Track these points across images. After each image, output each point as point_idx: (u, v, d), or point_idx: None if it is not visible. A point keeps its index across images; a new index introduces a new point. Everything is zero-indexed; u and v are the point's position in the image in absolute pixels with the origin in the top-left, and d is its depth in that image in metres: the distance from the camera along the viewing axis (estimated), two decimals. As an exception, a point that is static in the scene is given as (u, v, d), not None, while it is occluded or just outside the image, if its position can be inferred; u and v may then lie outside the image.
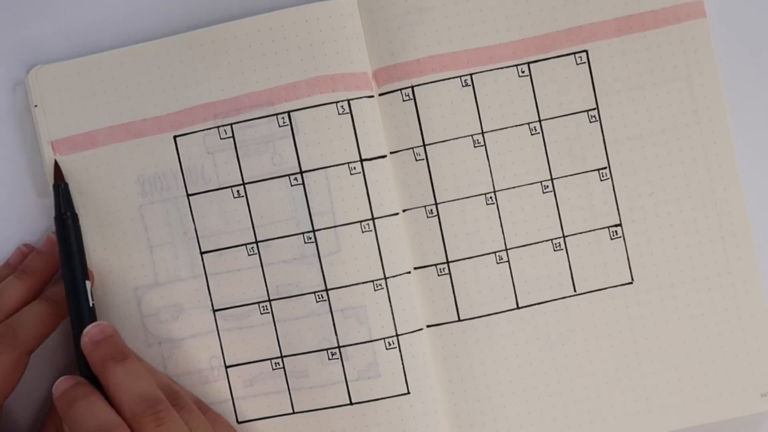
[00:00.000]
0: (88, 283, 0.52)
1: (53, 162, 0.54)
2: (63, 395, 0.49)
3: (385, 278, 0.53)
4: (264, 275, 0.54)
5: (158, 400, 0.49)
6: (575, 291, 0.54)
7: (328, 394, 0.54)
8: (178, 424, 0.48)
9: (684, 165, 0.54)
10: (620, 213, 0.54)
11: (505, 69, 0.54)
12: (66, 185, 0.53)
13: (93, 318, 0.51)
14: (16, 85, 0.55)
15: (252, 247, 0.54)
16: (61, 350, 0.55)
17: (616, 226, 0.54)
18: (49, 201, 0.53)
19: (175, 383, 0.54)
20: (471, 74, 0.54)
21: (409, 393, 0.53)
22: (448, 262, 0.54)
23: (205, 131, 0.54)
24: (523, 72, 0.54)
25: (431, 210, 0.54)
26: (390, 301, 0.53)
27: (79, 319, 0.51)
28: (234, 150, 0.54)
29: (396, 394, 0.53)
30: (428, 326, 0.54)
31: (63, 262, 0.52)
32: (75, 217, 0.53)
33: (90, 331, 0.50)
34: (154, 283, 0.54)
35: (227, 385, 0.54)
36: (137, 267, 0.54)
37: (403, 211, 0.54)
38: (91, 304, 0.52)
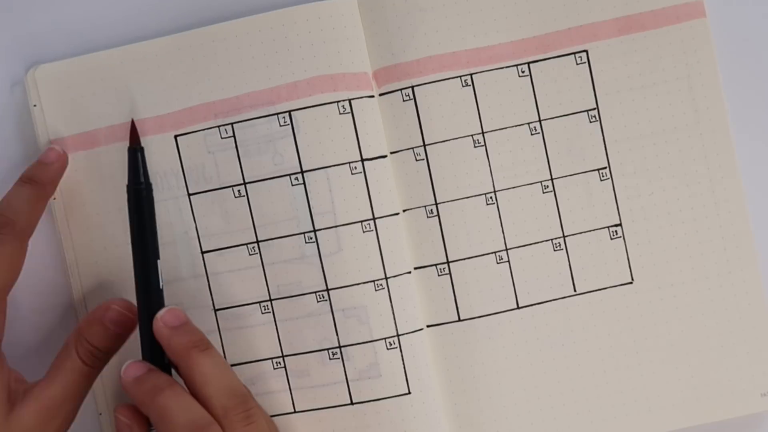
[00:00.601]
0: (159, 263, 0.51)
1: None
2: (142, 382, 0.48)
3: (386, 278, 0.53)
4: (265, 275, 0.54)
5: (247, 396, 0.48)
6: (575, 291, 0.54)
7: (329, 393, 0.54)
8: (263, 422, 0.48)
9: (684, 165, 0.54)
10: (620, 213, 0.54)
11: (505, 69, 0.54)
12: (142, 150, 0.51)
13: (162, 301, 0.50)
14: (14, 85, 0.55)
15: (253, 247, 0.54)
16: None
17: (616, 226, 0.54)
18: (48, 201, 0.53)
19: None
20: (471, 74, 0.54)
21: (409, 393, 0.53)
22: (448, 262, 0.54)
23: (206, 131, 0.54)
24: (523, 72, 0.54)
25: (431, 210, 0.54)
26: (391, 301, 0.54)
27: (148, 302, 0.50)
28: (235, 149, 0.54)
29: (397, 394, 0.53)
30: (428, 326, 0.54)
31: (134, 237, 0.51)
32: (149, 188, 0.51)
33: (165, 315, 0.49)
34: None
35: None
36: None
37: (404, 211, 0.54)
38: (160, 286, 0.50)
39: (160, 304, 0.50)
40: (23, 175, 0.51)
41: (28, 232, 0.50)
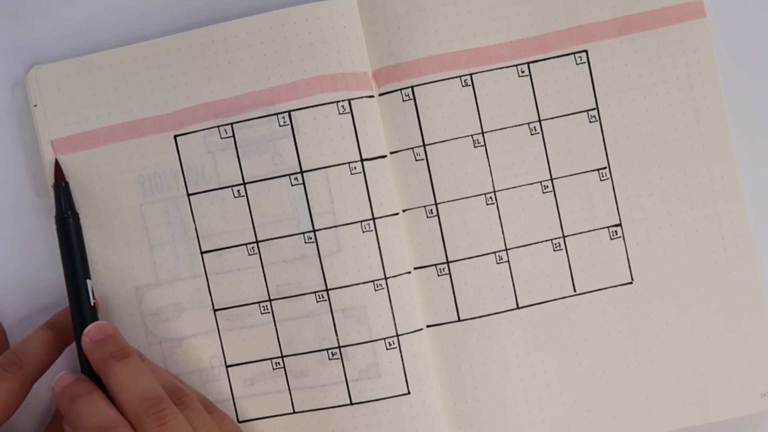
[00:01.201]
0: (89, 282, 0.52)
1: (53, 161, 0.54)
2: (64, 391, 0.49)
3: (386, 278, 0.53)
4: (264, 275, 0.54)
5: (160, 399, 0.48)
6: (575, 291, 0.54)
7: (329, 394, 0.54)
8: (181, 423, 0.48)
9: (684, 165, 0.54)
10: (620, 213, 0.54)
11: (504, 69, 0.54)
12: (67, 184, 0.53)
13: (94, 317, 0.52)
14: (15, 86, 0.55)
15: (252, 247, 0.54)
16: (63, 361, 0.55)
17: (615, 226, 0.54)
18: (49, 201, 0.54)
19: (180, 381, 0.54)
20: (471, 74, 0.54)
21: (409, 393, 0.53)
22: (448, 262, 0.54)
23: (206, 131, 0.54)
24: (522, 72, 0.54)
25: (431, 210, 0.54)
26: (390, 301, 0.53)
27: (80, 319, 0.51)
28: (234, 149, 0.54)
29: (396, 394, 0.53)
30: (428, 326, 0.54)
31: (64, 260, 0.52)
32: (76, 216, 0.53)
33: (90, 330, 0.51)
34: (155, 282, 0.54)
35: (228, 384, 0.54)
36: (138, 266, 0.54)
37: (403, 211, 0.54)
38: (92, 303, 0.52)
39: (93, 319, 0.52)
40: (48, 321, 0.53)
41: (35, 376, 0.52)
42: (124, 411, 0.48)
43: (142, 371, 0.50)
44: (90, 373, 0.51)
